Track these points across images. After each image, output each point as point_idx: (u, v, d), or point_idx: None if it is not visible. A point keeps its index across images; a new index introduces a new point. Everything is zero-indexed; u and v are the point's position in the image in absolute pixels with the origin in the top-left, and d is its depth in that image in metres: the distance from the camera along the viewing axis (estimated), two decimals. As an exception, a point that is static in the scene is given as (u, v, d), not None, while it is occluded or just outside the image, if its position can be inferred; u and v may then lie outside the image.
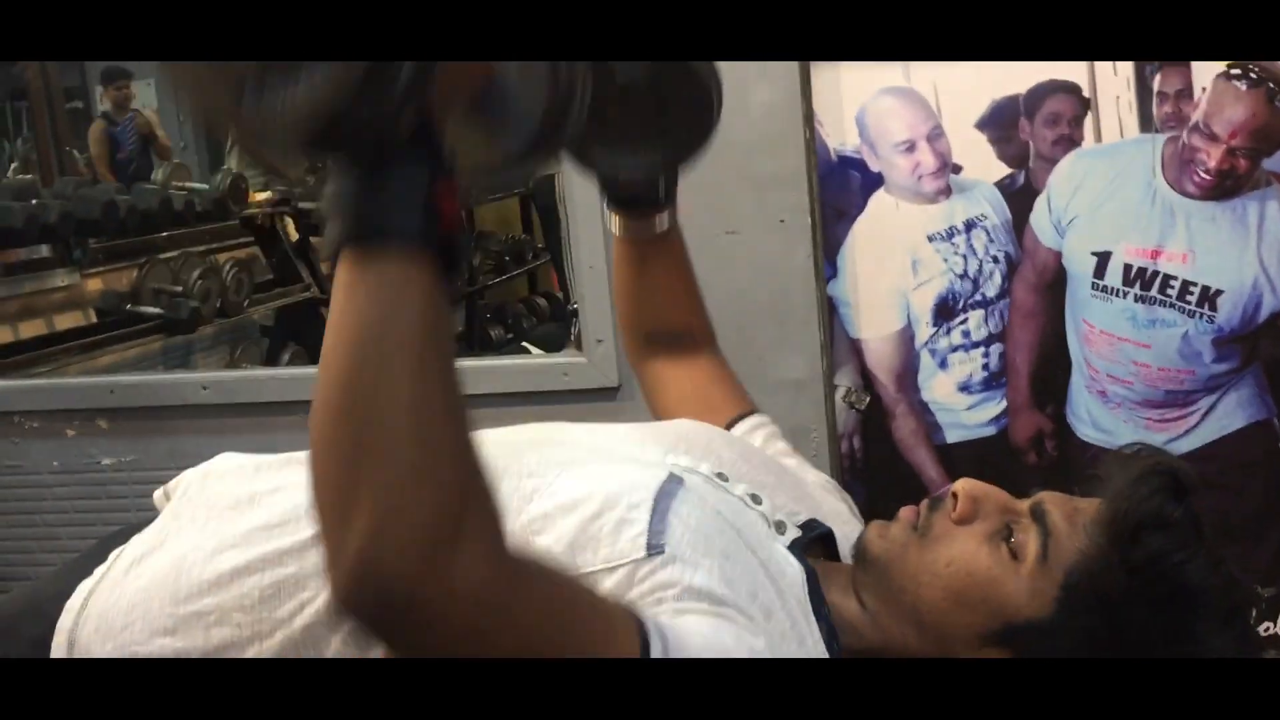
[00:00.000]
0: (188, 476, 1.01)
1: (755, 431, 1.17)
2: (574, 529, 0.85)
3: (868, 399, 1.86)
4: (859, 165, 1.79)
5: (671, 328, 1.22)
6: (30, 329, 3.74)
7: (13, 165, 5.22)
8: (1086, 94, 1.71)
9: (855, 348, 1.85)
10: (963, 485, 0.93)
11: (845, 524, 1.04)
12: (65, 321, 3.82)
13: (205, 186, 3.76)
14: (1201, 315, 1.72)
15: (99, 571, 0.96)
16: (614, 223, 1.16)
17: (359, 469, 0.65)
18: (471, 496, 0.67)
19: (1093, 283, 1.75)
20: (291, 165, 0.71)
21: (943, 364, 1.83)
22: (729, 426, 1.15)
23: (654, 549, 0.83)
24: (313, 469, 0.67)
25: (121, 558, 0.96)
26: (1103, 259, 1.74)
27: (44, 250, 4.03)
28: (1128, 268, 1.73)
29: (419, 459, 0.65)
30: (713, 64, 1.05)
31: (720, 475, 0.96)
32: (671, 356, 1.22)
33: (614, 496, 0.86)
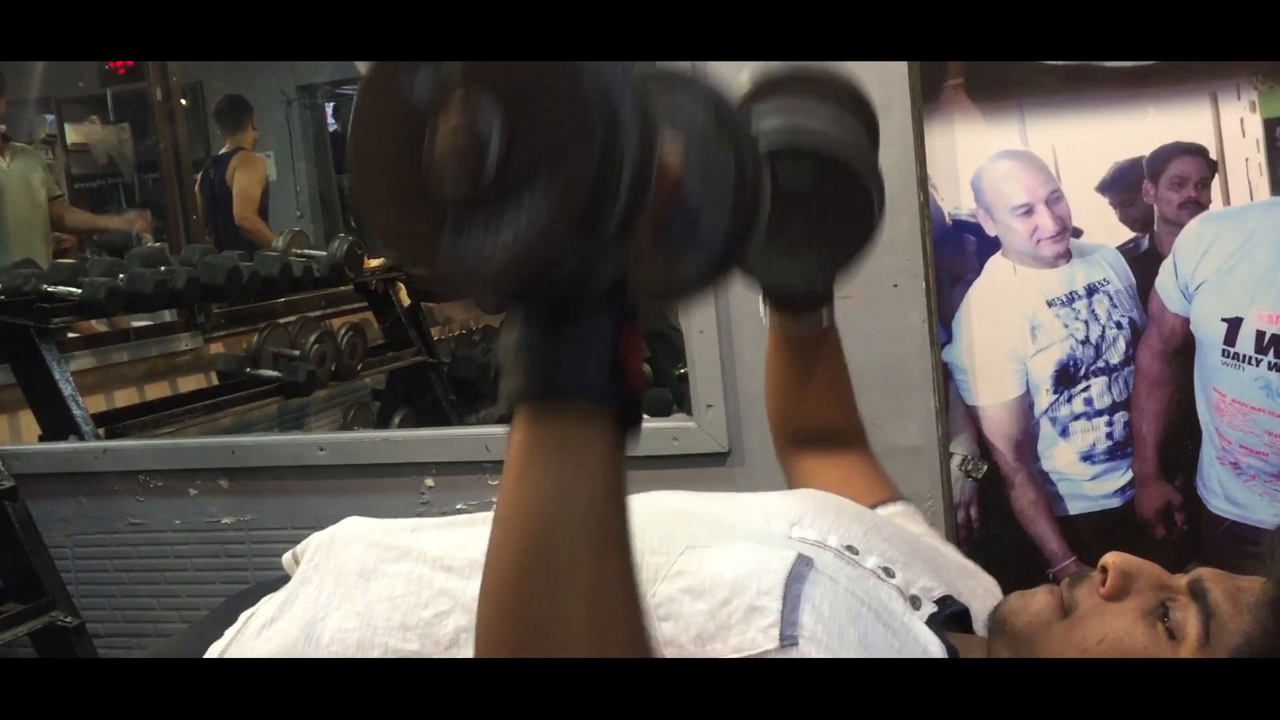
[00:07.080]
0: (315, 540, 1.02)
1: (897, 517, 1.12)
2: (702, 617, 0.84)
3: (985, 468, 1.82)
4: (975, 229, 1.77)
5: (826, 424, 1.20)
6: (155, 390, 3.89)
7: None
8: (1213, 156, 1.66)
9: (971, 415, 1.81)
10: (1114, 559, 0.89)
11: (982, 602, 1.00)
12: (188, 384, 3.96)
13: (323, 253, 3.87)
14: (1341, 384, 1.65)
15: (229, 634, 0.97)
16: (772, 320, 1.14)
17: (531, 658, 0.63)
18: None
19: (1223, 350, 1.69)
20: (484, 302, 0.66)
21: (1064, 432, 1.78)
22: (872, 509, 1.10)
23: (787, 640, 0.81)
24: (481, 653, 0.65)
25: (252, 620, 0.98)
26: (1233, 325, 1.68)
27: (168, 315, 4.20)
28: (1260, 334, 1.67)
29: (595, 652, 0.63)
30: (875, 166, 1.02)
31: (850, 548, 0.93)
32: (822, 453, 1.19)
33: (743, 581, 0.84)
